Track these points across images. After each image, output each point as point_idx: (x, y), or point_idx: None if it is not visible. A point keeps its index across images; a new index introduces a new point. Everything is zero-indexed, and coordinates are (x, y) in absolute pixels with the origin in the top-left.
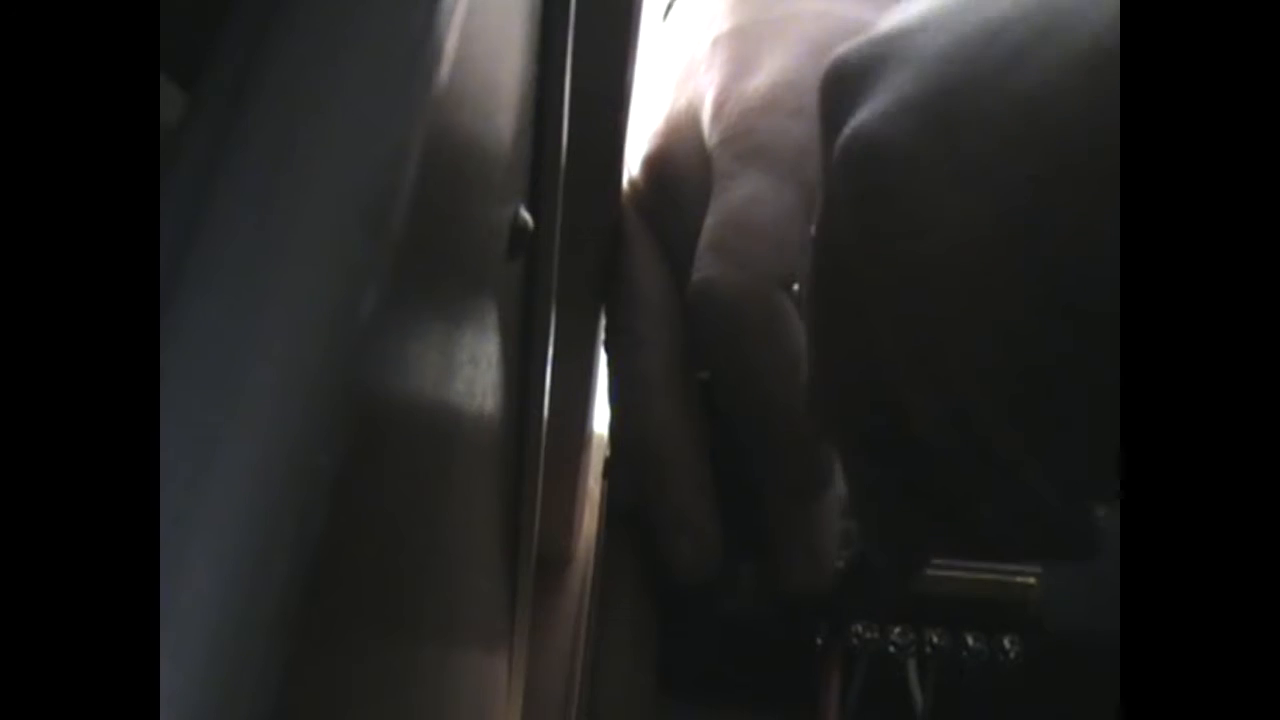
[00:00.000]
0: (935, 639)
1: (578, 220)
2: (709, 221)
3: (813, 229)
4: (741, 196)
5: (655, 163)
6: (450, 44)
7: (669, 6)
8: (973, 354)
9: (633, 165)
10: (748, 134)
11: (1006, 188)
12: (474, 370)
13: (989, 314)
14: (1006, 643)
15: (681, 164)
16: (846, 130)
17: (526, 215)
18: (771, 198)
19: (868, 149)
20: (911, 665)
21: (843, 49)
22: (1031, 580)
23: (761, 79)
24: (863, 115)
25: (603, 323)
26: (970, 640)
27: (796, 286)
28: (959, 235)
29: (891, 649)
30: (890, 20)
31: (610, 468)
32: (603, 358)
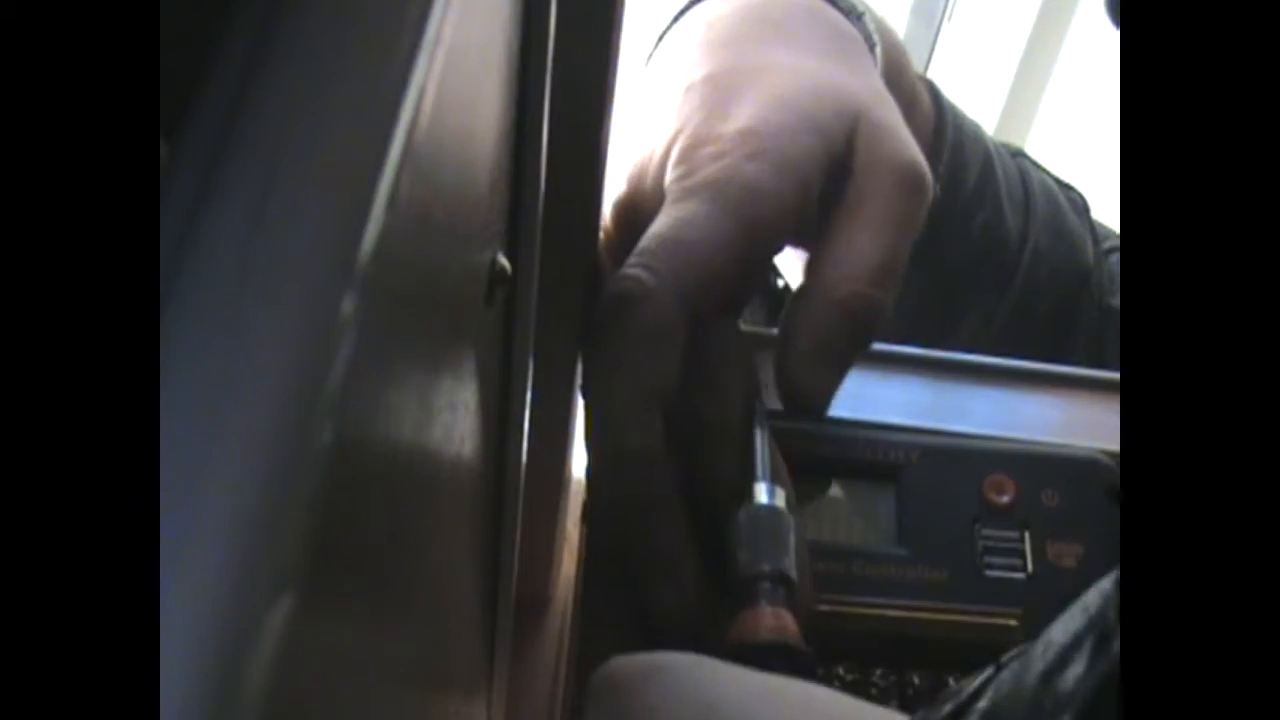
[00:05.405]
0: (917, 680)
1: (555, 265)
2: (641, 240)
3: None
4: (675, 218)
5: (624, 208)
6: (429, 94)
7: (651, 54)
8: None
9: (605, 210)
10: (699, 170)
11: None
12: (452, 416)
13: None
14: None
15: (648, 208)
16: None
17: (505, 261)
18: (703, 224)
19: None
20: (893, 707)
21: None
22: (1013, 622)
23: (729, 126)
24: None
25: (580, 367)
26: (951, 682)
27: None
28: None
29: (873, 691)
30: None
31: (589, 511)
32: (580, 402)
